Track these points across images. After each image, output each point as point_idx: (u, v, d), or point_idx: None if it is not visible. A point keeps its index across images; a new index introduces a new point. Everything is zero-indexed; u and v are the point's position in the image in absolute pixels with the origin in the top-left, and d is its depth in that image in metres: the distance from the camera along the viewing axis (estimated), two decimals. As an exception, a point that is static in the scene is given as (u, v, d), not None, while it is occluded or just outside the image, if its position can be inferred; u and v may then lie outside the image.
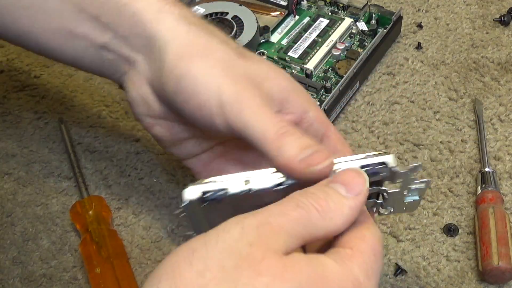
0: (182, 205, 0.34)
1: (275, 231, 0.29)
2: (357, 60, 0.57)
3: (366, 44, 0.60)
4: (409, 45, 0.63)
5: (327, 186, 0.32)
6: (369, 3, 0.62)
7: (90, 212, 0.48)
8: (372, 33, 0.61)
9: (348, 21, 0.61)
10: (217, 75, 0.37)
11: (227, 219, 0.30)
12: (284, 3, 0.63)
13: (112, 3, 0.41)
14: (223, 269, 0.28)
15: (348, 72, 0.56)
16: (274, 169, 0.34)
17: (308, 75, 0.57)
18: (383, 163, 0.33)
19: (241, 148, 0.43)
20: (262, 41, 0.60)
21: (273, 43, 0.60)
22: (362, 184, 0.32)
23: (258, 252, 0.29)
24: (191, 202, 0.33)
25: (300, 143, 0.34)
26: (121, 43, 0.41)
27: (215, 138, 0.43)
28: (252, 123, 0.36)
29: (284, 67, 0.58)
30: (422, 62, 0.61)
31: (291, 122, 0.37)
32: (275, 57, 0.59)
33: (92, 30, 0.41)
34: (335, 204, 0.31)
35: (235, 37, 0.58)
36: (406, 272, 0.46)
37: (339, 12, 0.63)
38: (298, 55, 0.58)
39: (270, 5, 0.64)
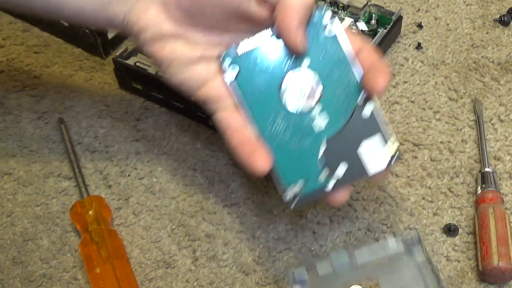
0: None
1: None
2: (357, 60, 0.57)
3: (366, 44, 0.60)
4: (409, 45, 0.63)
5: None
6: (369, 3, 0.62)
7: (90, 212, 0.48)
8: (372, 33, 0.61)
9: (348, 21, 0.61)
10: None
11: None
12: (284, 3, 0.63)
13: None
14: None
15: (348, 72, 0.56)
16: None
17: (308, 75, 0.57)
18: None
19: None
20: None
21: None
22: None
23: None
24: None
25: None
26: None
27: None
28: None
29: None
30: (422, 62, 0.61)
31: None
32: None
33: None
34: None
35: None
36: (406, 272, 0.46)
37: (339, 12, 0.62)
38: (298, 55, 0.58)
39: (270, 5, 0.63)
